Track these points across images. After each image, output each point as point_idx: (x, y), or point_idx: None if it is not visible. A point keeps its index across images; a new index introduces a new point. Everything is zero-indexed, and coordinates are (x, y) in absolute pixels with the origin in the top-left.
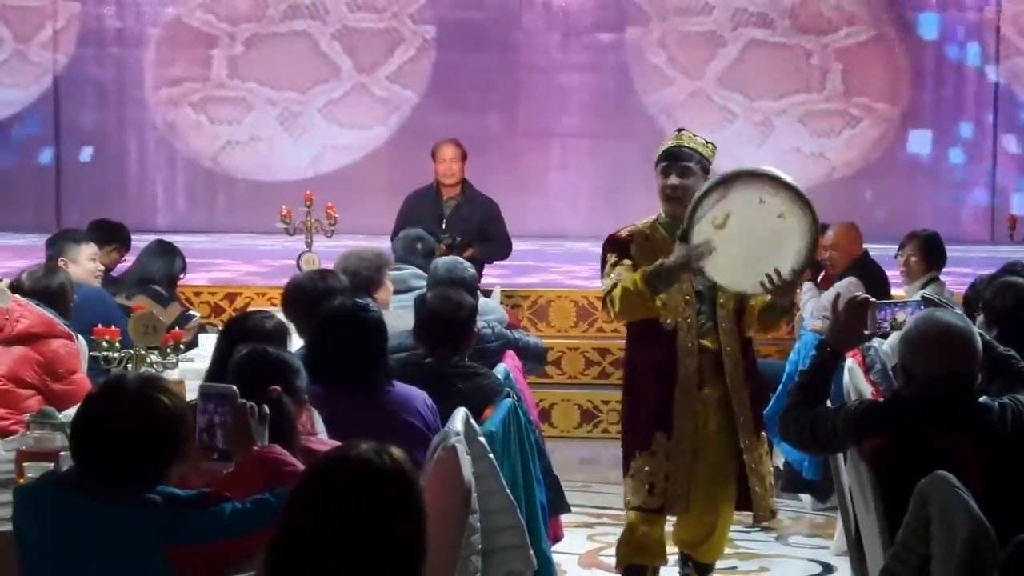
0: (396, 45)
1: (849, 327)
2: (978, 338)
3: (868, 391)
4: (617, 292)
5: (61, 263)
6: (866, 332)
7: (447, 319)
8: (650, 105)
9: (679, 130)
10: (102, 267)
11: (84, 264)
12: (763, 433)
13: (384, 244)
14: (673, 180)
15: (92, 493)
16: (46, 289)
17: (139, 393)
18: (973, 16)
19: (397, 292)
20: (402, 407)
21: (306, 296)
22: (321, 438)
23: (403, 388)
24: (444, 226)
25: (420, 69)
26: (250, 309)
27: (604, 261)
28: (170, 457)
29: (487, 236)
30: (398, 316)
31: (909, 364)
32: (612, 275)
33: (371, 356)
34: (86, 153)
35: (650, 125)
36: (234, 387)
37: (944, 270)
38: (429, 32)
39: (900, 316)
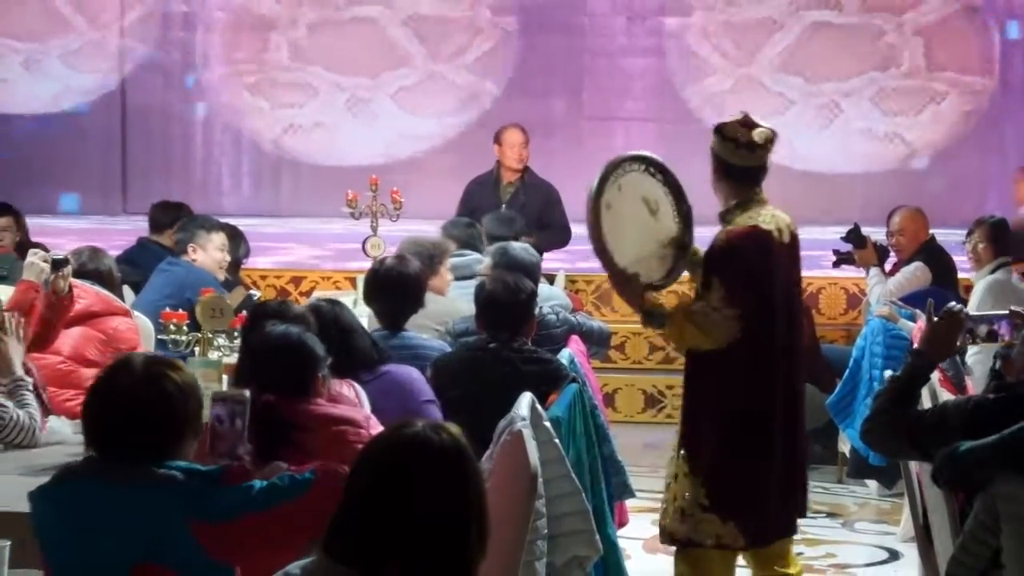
0: (471, 33)
1: (942, 337)
2: None
3: (936, 376)
4: None
5: (190, 249)
6: (959, 344)
7: (507, 303)
8: (709, 90)
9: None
10: (229, 258)
11: (212, 253)
12: (682, 452)
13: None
14: None
15: (109, 477)
16: (96, 271)
17: (146, 371)
18: None
19: (462, 278)
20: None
21: (380, 283)
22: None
23: (392, 374)
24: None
25: (495, 57)
26: (315, 294)
27: None
28: (183, 433)
29: (546, 223)
30: (465, 301)
31: None
32: None
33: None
34: (152, 136)
35: (714, 111)
36: (247, 393)
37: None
38: (505, 21)
39: (982, 330)
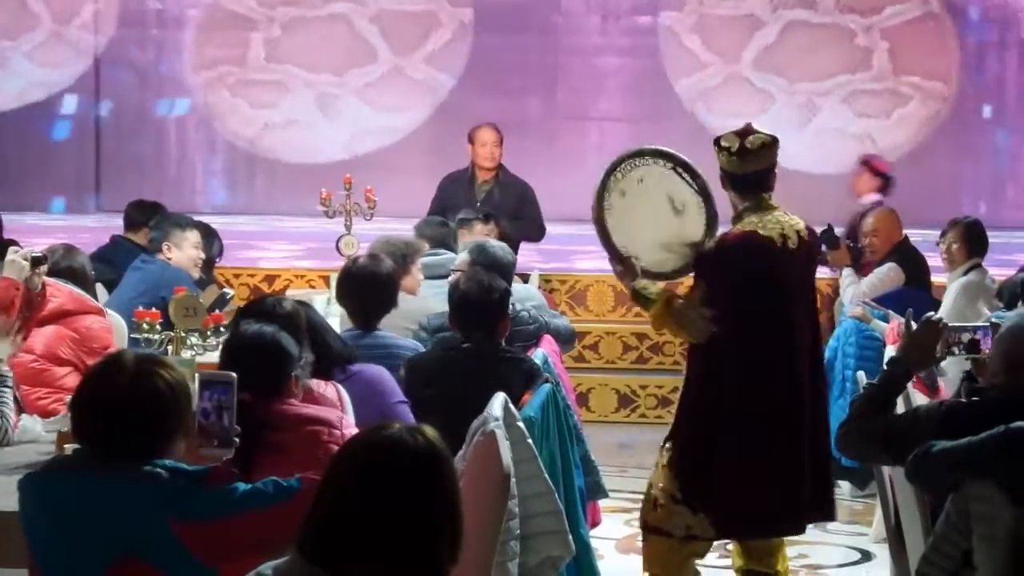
0: (434, 28)
1: (922, 346)
2: None
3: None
4: None
5: (164, 248)
6: (938, 354)
7: (479, 302)
8: (687, 89)
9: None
10: (204, 256)
11: (187, 251)
12: (666, 444)
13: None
14: None
15: (96, 470)
16: (69, 269)
17: (137, 368)
18: None
19: (436, 277)
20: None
21: (352, 282)
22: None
23: (363, 373)
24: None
25: (457, 52)
26: (288, 292)
27: None
28: (172, 431)
29: (520, 219)
30: (438, 300)
31: (1013, 356)
32: None
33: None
34: (125, 134)
35: (686, 109)
36: (233, 374)
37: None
38: (467, 15)
39: (964, 337)
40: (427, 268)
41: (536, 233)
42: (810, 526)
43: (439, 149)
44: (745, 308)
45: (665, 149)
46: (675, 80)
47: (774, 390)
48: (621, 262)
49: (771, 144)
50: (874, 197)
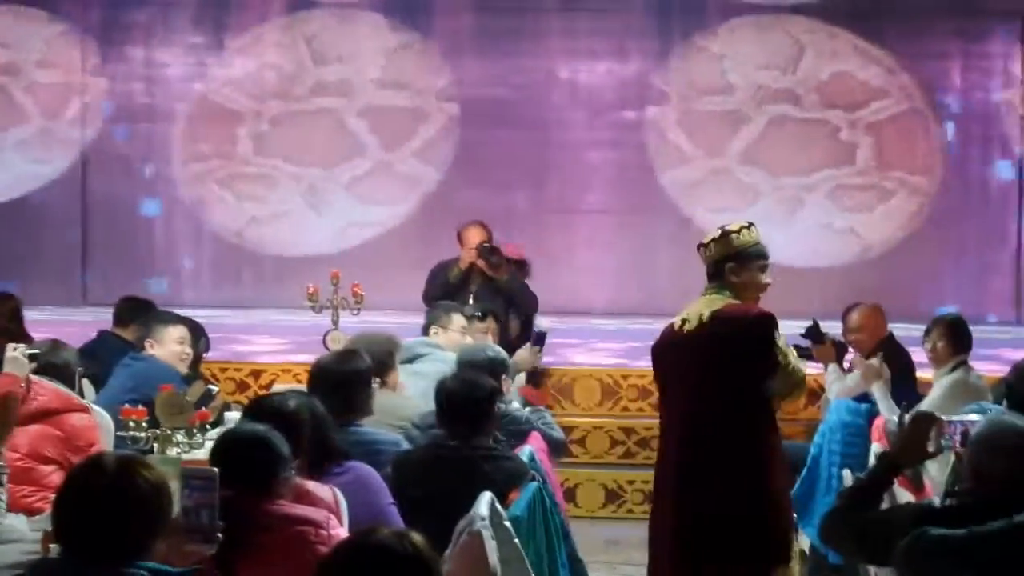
0: (421, 122)
1: (913, 441)
2: None
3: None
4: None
5: (147, 344)
6: (931, 449)
7: (464, 400)
8: (673, 183)
9: (752, 224)
10: (189, 351)
11: (170, 347)
12: None
13: (409, 320)
14: (768, 279)
15: (77, 573)
16: (52, 366)
17: (118, 469)
18: (996, 96)
19: (403, 362)
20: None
21: (330, 378)
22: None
23: (357, 470)
24: (472, 301)
25: (445, 146)
26: (275, 387)
27: (772, 339)
28: (153, 531)
29: (515, 303)
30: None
31: (981, 466)
32: (795, 356)
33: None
34: (112, 227)
35: (673, 203)
36: (215, 470)
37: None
38: (453, 109)
39: (956, 431)
40: None
41: (532, 305)
42: None
43: (427, 243)
44: (661, 392)
45: None
46: (661, 173)
47: (666, 447)
48: None
49: (720, 238)
50: None
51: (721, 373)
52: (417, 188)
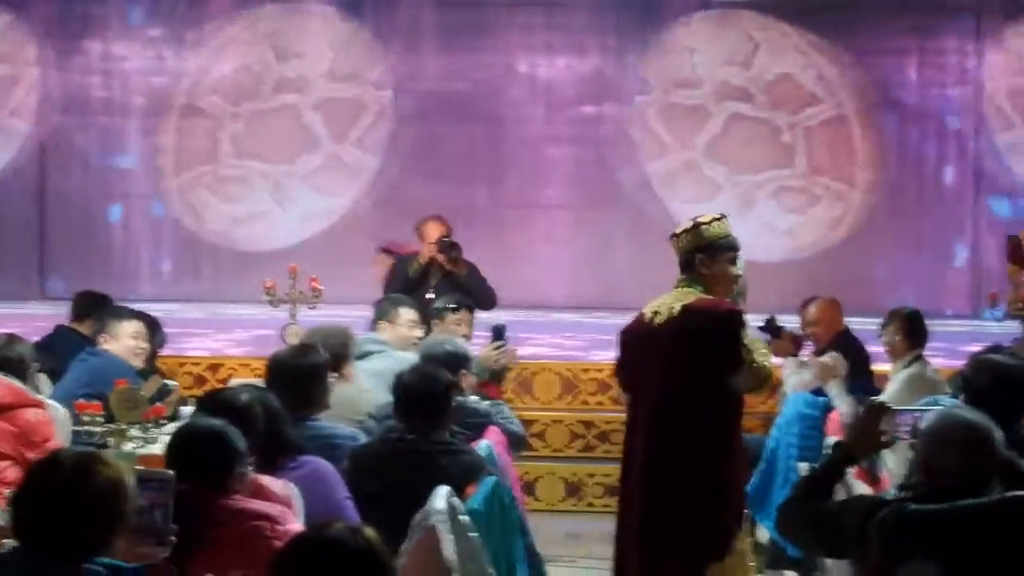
0: (381, 117)
1: (866, 432)
2: (998, 436)
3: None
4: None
5: (101, 339)
6: (884, 439)
7: (420, 394)
8: (630, 178)
9: (724, 216)
10: (145, 346)
11: (124, 342)
12: None
13: (368, 314)
14: (739, 270)
15: (34, 569)
16: (7, 360)
17: (76, 466)
18: (952, 92)
19: (355, 358)
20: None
21: (286, 372)
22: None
23: (312, 464)
24: (433, 295)
25: (403, 141)
26: (232, 381)
27: (738, 336)
28: (110, 529)
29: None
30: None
31: (932, 459)
32: (763, 352)
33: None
34: (71, 222)
35: (630, 198)
36: (171, 472)
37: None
38: (413, 103)
39: (908, 422)
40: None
41: (491, 300)
42: None
43: (386, 237)
44: (632, 384)
45: None
46: (618, 169)
47: (633, 440)
48: None
49: (691, 229)
50: None
51: (689, 367)
52: (376, 183)
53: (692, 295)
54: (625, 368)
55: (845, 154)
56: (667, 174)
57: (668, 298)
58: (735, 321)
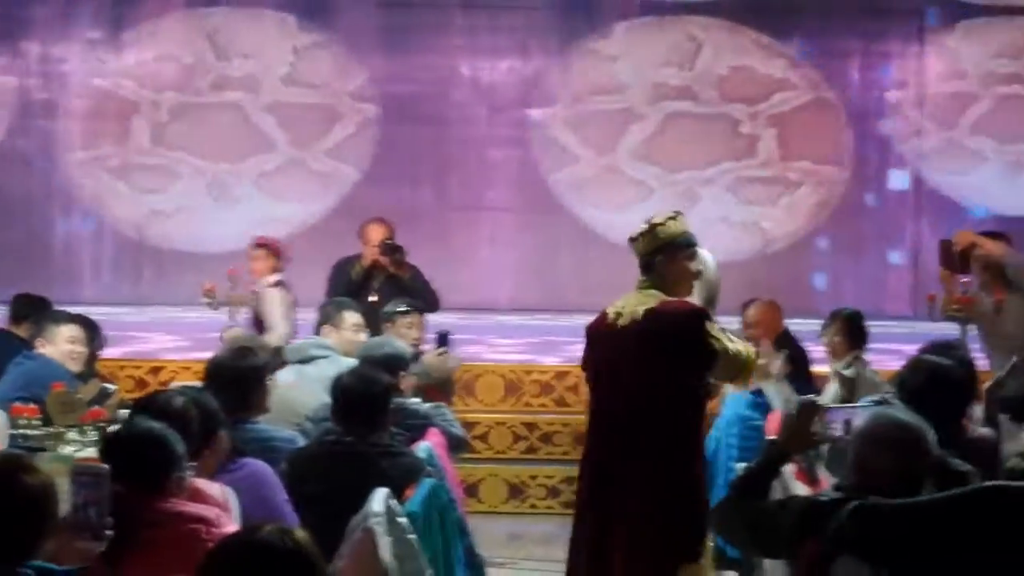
0: (327, 119)
1: (799, 430)
2: (931, 436)
3: (791, 469)
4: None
5: (38, 343)
6: (815, 437)
7: (360, 396)
8: (571, 181)
9: (679, 214)
10: (82, 350)
11: (60, 346)
12: None
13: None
14: (699, 266)
15: None
16: None
17: (1, 471)
18: (893, 96)
19: (299, 362)
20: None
21: (225, 374)
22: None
23: (250, 467)
24: (377, 298)
25: (351, 143)
26: (173, 384)
27: (707, 329)
28: (38, 532)
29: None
30: (305, 388)
31: (866, 460)
32: (739, 340)
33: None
34: (10, 224)
35: (572, 201)
36: (107, 466)
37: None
38: (369, 109)
39: (857, 421)
40: (288, 353)
41: (435, 303)
42: None
43: (333, 239)
44: (593, 380)
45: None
46: (559, 171)
47: (590, 441)
48: None
49: (647, 232)
50: (273, 277)
51: (656, 370)
52: (322, 184)
53: (654, 298)
54: (587, 365)
55: (789, 154)
56: (591, 179)
57: (631, 299)
58: (700, 317)
